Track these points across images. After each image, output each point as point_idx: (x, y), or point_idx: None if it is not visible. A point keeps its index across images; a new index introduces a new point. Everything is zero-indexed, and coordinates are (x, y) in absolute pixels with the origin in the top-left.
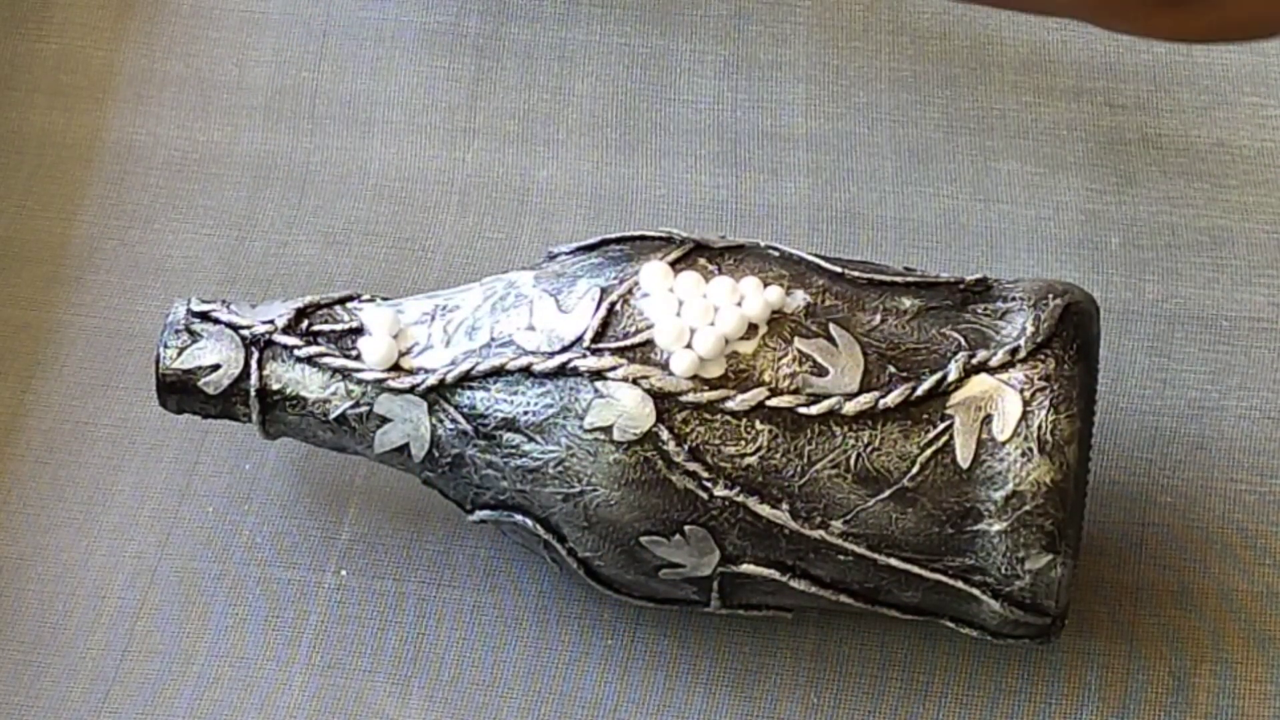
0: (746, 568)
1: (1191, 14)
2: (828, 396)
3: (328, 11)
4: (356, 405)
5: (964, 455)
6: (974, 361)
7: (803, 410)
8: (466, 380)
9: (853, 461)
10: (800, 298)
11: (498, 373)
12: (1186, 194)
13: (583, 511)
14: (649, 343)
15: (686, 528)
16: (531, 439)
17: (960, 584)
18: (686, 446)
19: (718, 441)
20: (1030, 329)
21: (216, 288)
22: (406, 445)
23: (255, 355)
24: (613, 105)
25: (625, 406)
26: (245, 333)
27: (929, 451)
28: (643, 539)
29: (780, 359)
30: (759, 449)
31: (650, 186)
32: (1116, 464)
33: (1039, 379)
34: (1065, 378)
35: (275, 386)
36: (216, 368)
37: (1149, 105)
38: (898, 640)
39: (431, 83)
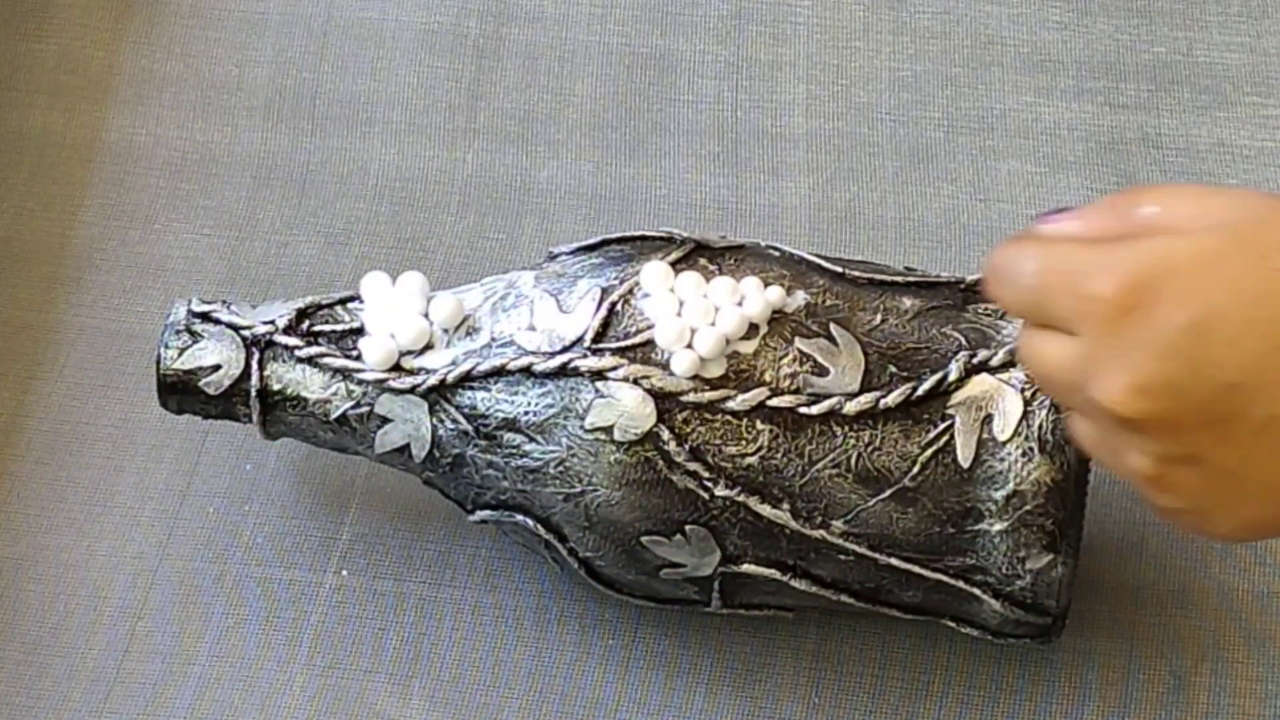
0: (747, 567)
1: None
2: (828, 396)
3: (328, 12)
4: (357, 405)
5: (965, 455)
6: (975, 361)
7: (803, 410)
8: (467, 380)
9: (854, 461)
10: (801, 297)
11: (498, 373)
12: None
13: (584, 511)
14: (650, 343)
15: (687, 528)
16: (532, 439)
17: (961, 584)
18: (687, 446)
19: (719, 441)
20: None
21: (217, 288)
22: (407, 445)
23: (256, 356)
24: (613, 105)
25: (626, 406)
26: (246, 333)
27: (930, 451)
28: (644, 539)
29: (781, 359)
30: (760, 449)
31: (651, 186)
32: None
33: None
34: None
35: (276, 387)
36: (217, 368)
37: (1149, 105)
38: (898, 640)
39: (431, 83)
